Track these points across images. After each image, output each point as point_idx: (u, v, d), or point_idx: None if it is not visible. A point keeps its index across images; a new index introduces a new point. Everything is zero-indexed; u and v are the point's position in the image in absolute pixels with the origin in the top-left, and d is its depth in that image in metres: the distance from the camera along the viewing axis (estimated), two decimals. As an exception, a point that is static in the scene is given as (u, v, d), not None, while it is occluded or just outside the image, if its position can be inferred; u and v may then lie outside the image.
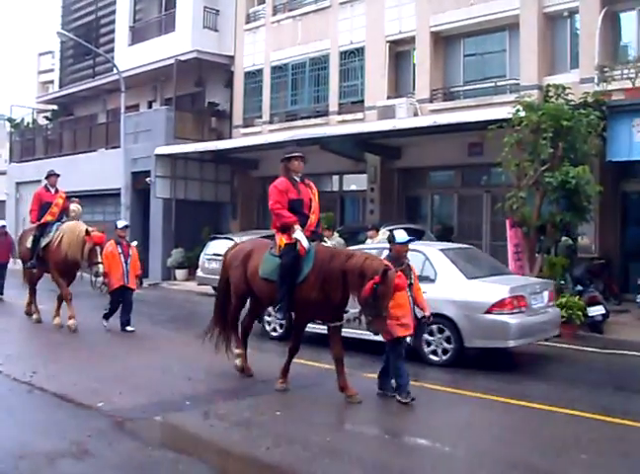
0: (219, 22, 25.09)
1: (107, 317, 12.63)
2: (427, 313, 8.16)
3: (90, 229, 12.23)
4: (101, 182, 25.02)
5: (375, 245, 11.91)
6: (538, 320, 10.24)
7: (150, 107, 27.67)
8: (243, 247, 9.19)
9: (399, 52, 20.32)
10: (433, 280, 10.13)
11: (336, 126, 19.87)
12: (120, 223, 13.24)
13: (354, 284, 7.67)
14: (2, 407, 7.54)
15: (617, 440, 6.77)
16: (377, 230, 14.70)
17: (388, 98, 19.49)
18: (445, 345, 9.92)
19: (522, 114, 13.25)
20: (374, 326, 7.59)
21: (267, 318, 12.05)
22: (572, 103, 13.46)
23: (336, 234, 15.46)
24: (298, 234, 8.16)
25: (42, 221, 13.09)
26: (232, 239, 19.19)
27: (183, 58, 23.79)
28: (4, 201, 33.54)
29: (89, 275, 12.61)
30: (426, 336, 9.94)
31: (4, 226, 18.37)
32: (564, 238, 15.18)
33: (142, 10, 27.99)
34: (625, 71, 14.75)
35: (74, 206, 13.89)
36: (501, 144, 13.32)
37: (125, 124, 24.06)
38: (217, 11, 25.05)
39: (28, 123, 34.45)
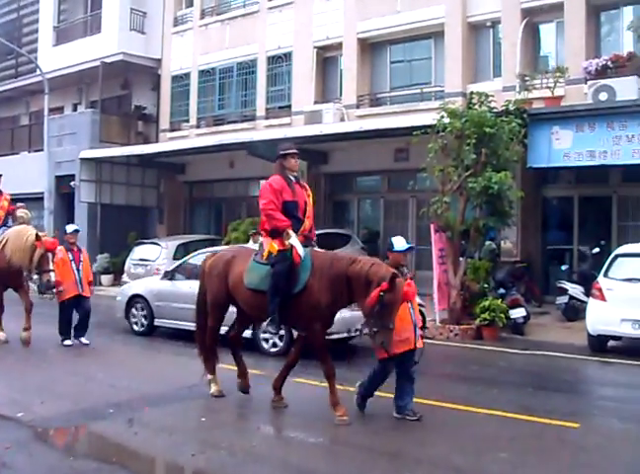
0: (146, 24, 24.78)
1: (63, 333, 11.74)
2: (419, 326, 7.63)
3: (41, 234, 11.17)
4: (23, 186, 24.11)
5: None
6: (346, 315, 9.88)
7: (75, 109, 27.10)
8: (223, 254, 8.37)
9: (326, 58, 20.48)
10: None
11: (263, 131, 19.83)
12: (70, 228, 12.25)
13: (359, 293, 7.04)
14: None
15: (536, 438, 6.94)
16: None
17: (315, 103, 19.63)
18: (277, 339, 11.07)
19: (447, 120, 13.50)
20: (379, 339, 6.86)
21: (132, 315, 13.33)
22: (494, 110, 13.76)
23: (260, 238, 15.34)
24: (293, 240, 7.42)
25: None
26: (159, 244, 19.06)
27: (109, 60, 23.41)
28: None
29: (33, 284, 11.50)
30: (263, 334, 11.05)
31: None
32: (487, 242, 15.56)
33: (67, 10, 27.41)
34: (545, 80, 15.22)
35: (21, 212, 12.52)
36: (426, 150, 13.54)
37: (49, 127, 23.51)
38: (144, 13, 24.75)
39: (-55, 125, 33.32)
